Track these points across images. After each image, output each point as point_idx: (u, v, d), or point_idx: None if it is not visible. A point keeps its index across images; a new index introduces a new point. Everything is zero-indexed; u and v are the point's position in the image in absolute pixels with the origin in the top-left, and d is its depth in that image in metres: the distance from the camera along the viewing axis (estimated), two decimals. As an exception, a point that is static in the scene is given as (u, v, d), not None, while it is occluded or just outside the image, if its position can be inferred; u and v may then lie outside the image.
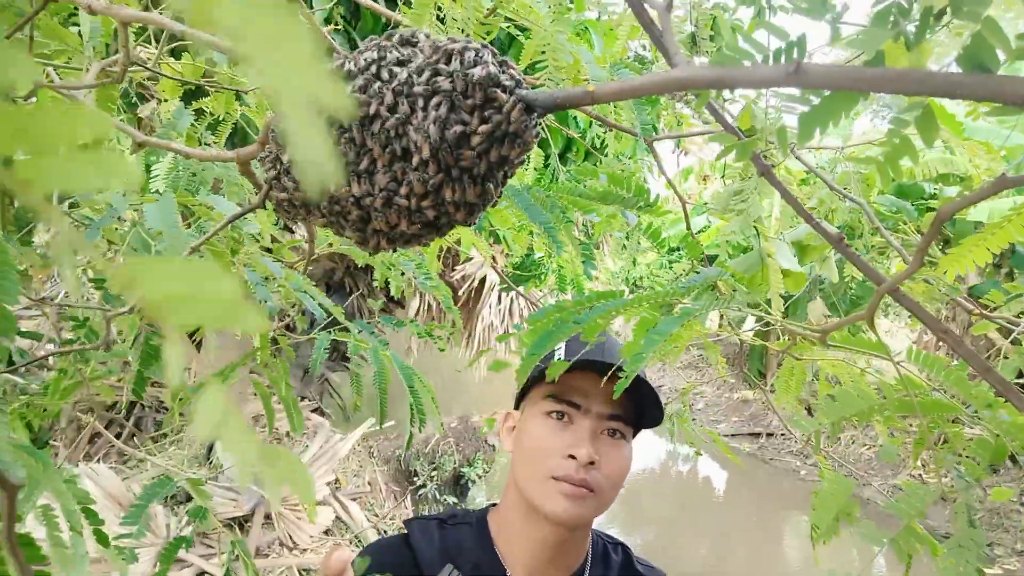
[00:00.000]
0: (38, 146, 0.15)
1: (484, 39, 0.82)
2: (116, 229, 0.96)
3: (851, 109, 0.41)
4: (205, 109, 1.09)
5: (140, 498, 1.07)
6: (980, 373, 0.49)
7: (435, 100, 0.47)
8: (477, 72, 0.47)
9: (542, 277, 4.99)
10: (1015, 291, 1.09)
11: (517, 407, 1.08)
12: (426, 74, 0.48)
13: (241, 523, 4.01)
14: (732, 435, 9.64)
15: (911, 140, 0.45)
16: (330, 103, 0.16)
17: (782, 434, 9.43)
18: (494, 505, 1.09)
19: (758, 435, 9.63)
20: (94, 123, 0.16)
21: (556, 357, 0.99)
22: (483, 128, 0.47)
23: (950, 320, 7.68)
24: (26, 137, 0.15)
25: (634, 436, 1.03)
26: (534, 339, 0.77)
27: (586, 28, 2.96)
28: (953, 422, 0.69)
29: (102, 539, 0.84)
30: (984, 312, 0.99)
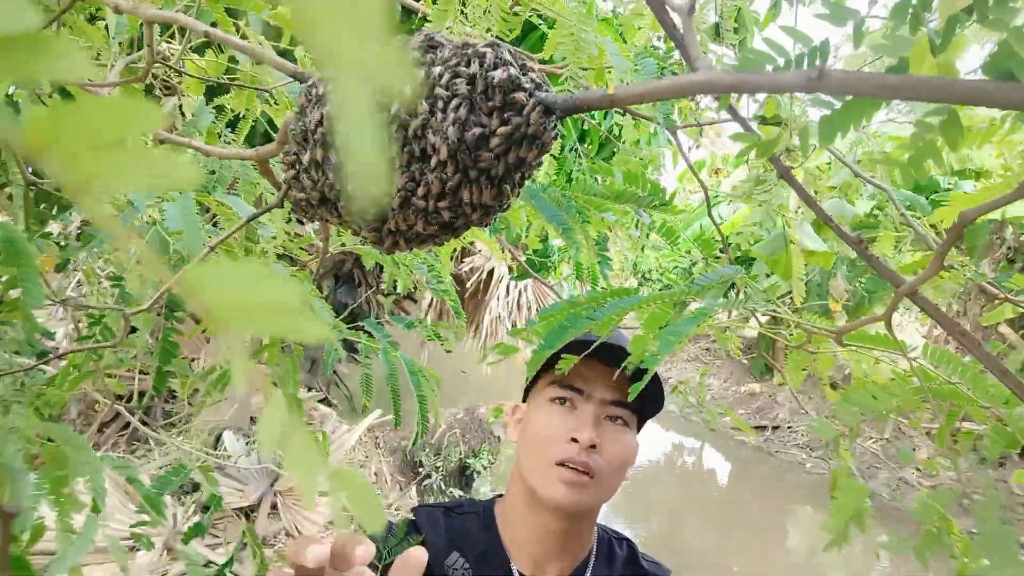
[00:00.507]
0: (94, 142, 0.14)
1: (507, 35, 0.82)
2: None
3: (873, 113, 0.41)
4: (225, 106, 1.09)
5: (154, 487, 1.08)
6: (997, 376, 0.49)
7: (454, 102, 0.47)
8: (498, 75, 0.47)
9: (554, 269, 4.98)
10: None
11: (524, 400, 1.09)
12: (446, 76, 0.48)
13: (247, 513, 4.05)
14: (738, 427, 9.62)
15: (936, 143, 0.44)
16: (392, 86, 0.14)
17: (788, 427, 9.41)
18: (500, 496, 1.10)
19: (764, 428, 9.62)
20: (149, 117, 0.15)
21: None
22: (502, 130, 0.48)
23: (961, 315, 7.63)
24: (83, 131, 0.14)
25: (639, 427, 1.04)
26: (547, 333, 0.77)
27: (595, 28, 2.89)
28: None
29: (155, 506, 0.85)
30: (1009, 297, 0.99)
